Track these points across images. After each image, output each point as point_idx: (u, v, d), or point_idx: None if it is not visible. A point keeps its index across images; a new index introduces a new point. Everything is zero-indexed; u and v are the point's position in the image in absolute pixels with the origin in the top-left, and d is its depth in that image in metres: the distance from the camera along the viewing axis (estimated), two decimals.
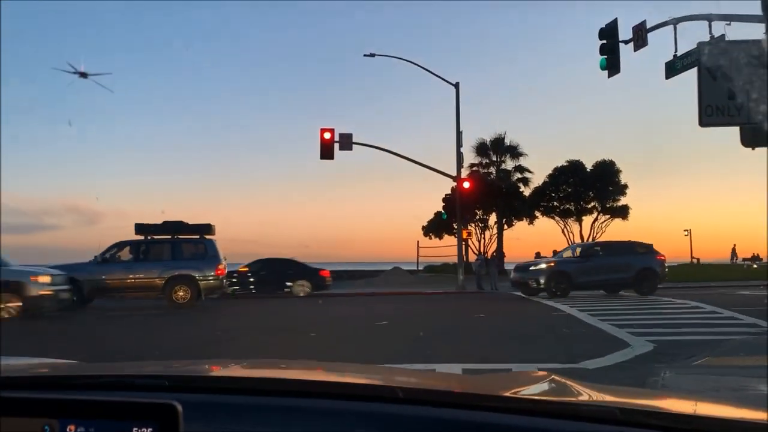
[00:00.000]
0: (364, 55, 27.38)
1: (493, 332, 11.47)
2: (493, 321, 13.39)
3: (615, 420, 1.01)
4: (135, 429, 0.65)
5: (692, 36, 13.71)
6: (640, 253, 20.45)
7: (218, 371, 1.46)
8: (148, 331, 12.35)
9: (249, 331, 11.84)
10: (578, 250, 21.66)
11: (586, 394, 1.29)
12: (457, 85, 27.39)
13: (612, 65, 15.22)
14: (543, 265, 20.29)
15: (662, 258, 20.90)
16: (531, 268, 20.33)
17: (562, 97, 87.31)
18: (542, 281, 19.59)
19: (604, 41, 15.28)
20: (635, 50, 14.87)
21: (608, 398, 1.29)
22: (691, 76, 13.62)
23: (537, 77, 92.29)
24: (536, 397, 1.25)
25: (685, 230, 68.73)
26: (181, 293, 16.96)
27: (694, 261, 63.36)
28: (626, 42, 15.12)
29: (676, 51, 13.74)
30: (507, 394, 1.19)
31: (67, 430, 0.65)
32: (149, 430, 0.65)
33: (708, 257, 63.21)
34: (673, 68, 13.77)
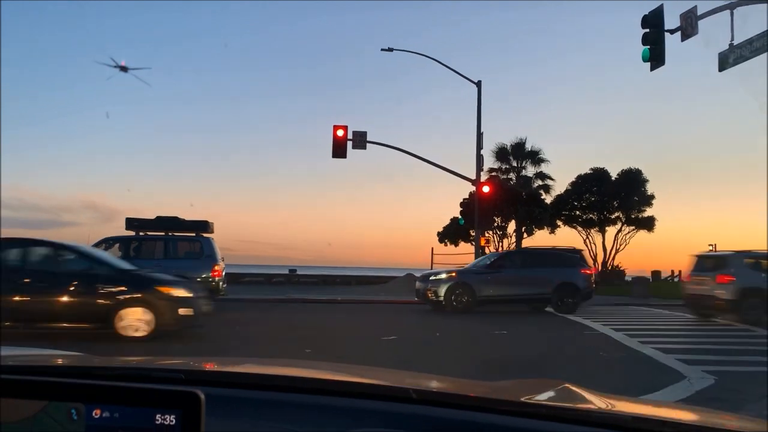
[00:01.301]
0: (382, 50, 25.89)
1: (518, 357, 9.89)
2: (515, 341, 11.76)
3: (627, 427, 1.00)
4: (158, 416, 0.65)
5: (750, 25, 12.13)
6: (561, 265, 17.77)
7: (234, 367, 1.50)
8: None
9: (247, 342, 10.38)
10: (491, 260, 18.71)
11: (600, 402, 1.25)
12: (479, 84, 25.95)
13: (656, 56, 13.64)
14: (443, 275, 17.49)
15: (588, 272, 18.11)
16: (431, 278, 17.54)
17: (587, 100, 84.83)
18: (441, 293, 16.84)
19: (648, 30, 13.73)
20: (683, 40, 13.33)
21: (620, 406, 1.26)
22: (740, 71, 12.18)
23: (562, 79, 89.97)
24: (549, 402, 1.22)
25: (710, 245, 66.76)
26: None
27: None
28: (672, 31, 13.63)
29: (732, 40, 12.19)
30: (521, 399, 1.18)
31: (93, 414, 0.65)
32: (172, 417, 0.65)
33: None
34: (726, 60, 12.20)
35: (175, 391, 0.67)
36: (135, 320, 9.66)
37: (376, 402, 1.10)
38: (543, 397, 1.28)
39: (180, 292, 10.05)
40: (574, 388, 1.39)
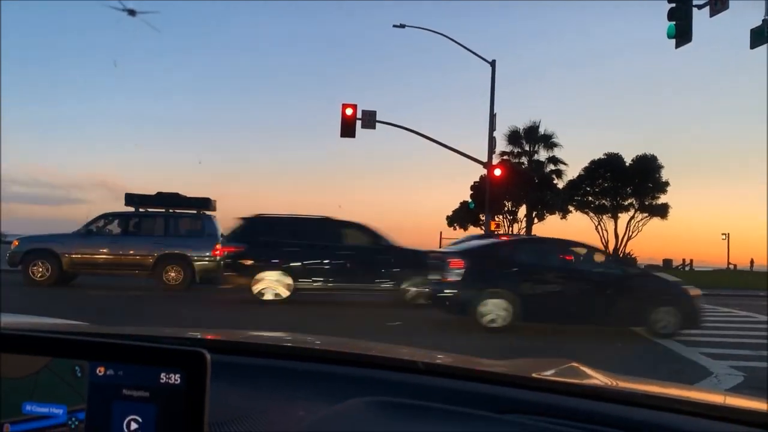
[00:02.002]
0: (394, 26, 25.13)
1: (533, 348, 9.33)
2: (528, 330, 11.18)
3: (638, 403, 0.98)
4: (163, 374, 0.64)
5: None
6: None
7: (240, 336, 1.47)
8: (127, 315, 10.43)
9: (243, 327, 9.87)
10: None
11: (608, 380, 1.25)
12: (493, 63, 25.13)
13: (682, 33, 12.91)
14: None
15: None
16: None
17: (603, 83, 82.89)
18: None
19: (674, 4, 12.98)
20: (711, 15, 12.58)
21: (630, 385, 1.22)
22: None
23: (579, 61, 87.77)
24: (557, 378, 1.22)
25: (723, 234, 65.71)
26: (172, 274, 15.04)
27: (731, 267, 60.59)
28: (700, 6, 12.89)
29: (767, 15, 11.44)
30: (529, 374, 1.16)
31: (97, 371, 0.65)
32: (177, 376, 0.64)
33: (746, 264, 60.17)
34: (761, 35, 11.46)
35: (181, 350, 0.66)
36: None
37: (382, 371, 1.11)
38: (550, 372, 1.28)
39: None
40: (582, 367, 1.37)
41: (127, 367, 0.66)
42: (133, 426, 0.65)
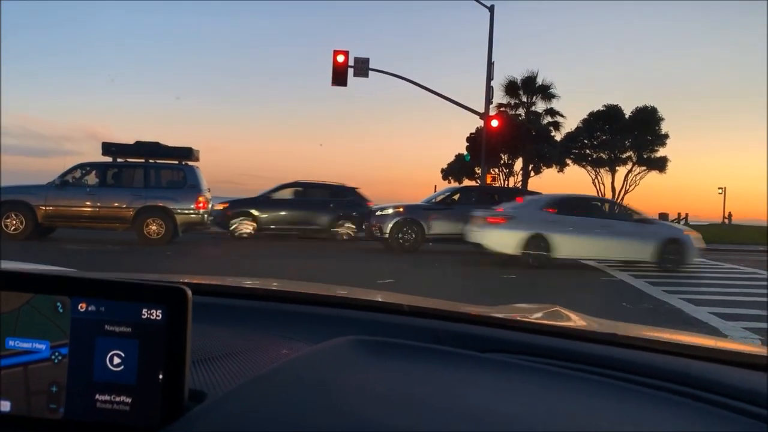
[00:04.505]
0: None
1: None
2: (522, 288, 10.64)
3: (622, 344, 0.99)
4: (144, 310, 0.66)
5: None
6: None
7: (226, 281, 1.43)
8: (106, 269, 9.77)
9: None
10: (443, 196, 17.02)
11: (593, 323, 1.28)
12: (491, 9, 24.05)
13: None
14: (390, 210, 15.77)
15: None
16: (377, 213, 15.86)
17: (603, 32, 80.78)
18: (387, 229, 15.36)
19: None
20: None
21: (615, 328, 1.19)
22: None
23: (579, 8, 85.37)
24: (540, 320, 1.25)
25: (719, 188, 65.16)
26: (153, 227, 14.37)
27: (726, 221, 60.30)
28: None
29: None
30: (513, 317, 1.19)
31: (78, 307, 0.66)
32: (158, 311, 0.66)
33: (742, 217, 59.87)
34: None
35: (162, 286, 0.67)
36: None
37: (368, 313, 1.14)
38: (535, 316, 1.30)
39: None
40: (566, 312, 1.40)
41: (108, 303, 0.67)
42: (116, 360, 0.66)
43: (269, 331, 1.03)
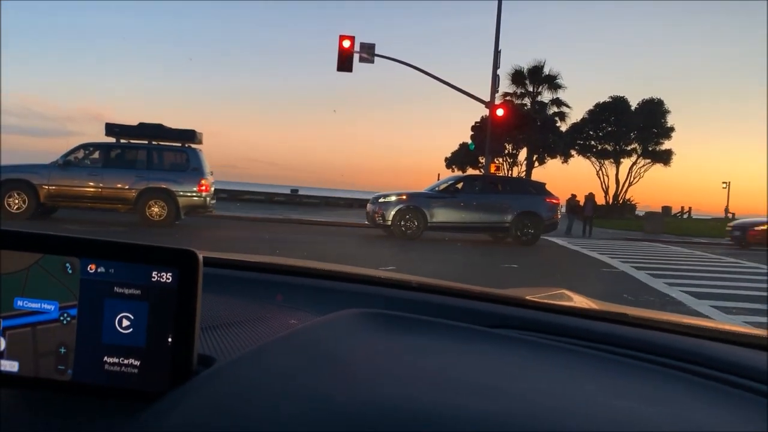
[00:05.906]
0: None
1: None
2: (523, 276, 10.64)
3: (628, 323, 1.01)
4: (154, 273, 0.65)
5: None
6: (526, 193, 16.46)
7: (235, 256, 1.39)
8: None
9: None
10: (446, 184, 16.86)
11: (599, 305, 1.27)
12: None
13: None
14: (393, 198, 15.76)
15: (553, 201, 16.50)
16: (380, 200, 15.84)
17: (612, 23, 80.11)
18: (389, 217, 15.40)
19: None
20: None
21: (622, 309, 1.17)
22: None
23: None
24: (547, 300, 1.21)
25: (723, 183, 64.86)
26: (156, 209, 14.37)
27: (729, 216, 60.15)
28: None
29: None
30: (521, 296, 1.17)
31: (88, 268, 0.66)
32: (169, 274, 0.65)
33: (746, 212, 59.70)
34: None
35: (173, 249, 0.66)
36: None
37: (376, 287, 1.15)
38: (542, 296, 1.28)
39: None
40: (571, 293, 1.43)
41: (118, 264, 0.66)
42: (125, 323, 0.65)
43: (279, 302, 1.04)
